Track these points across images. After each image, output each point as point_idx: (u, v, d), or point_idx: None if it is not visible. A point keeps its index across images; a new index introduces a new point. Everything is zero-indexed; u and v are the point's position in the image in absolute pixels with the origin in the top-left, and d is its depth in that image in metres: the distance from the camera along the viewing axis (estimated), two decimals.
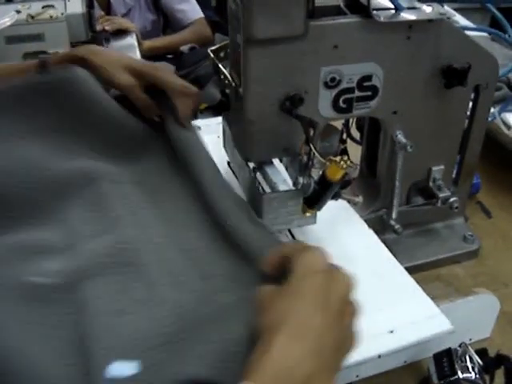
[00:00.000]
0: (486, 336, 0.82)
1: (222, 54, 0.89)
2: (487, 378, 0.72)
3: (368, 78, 0.76)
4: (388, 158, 0.87)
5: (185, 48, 2.08)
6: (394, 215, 0.89)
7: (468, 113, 0.88)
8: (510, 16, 0.98)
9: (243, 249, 0.71)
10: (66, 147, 0.83)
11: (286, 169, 0.82)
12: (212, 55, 0.87)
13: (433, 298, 0.72)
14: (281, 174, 0.80)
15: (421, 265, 0.91)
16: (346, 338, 0.53)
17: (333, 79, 0.75)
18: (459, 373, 0.70)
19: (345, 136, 1.05)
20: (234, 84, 0.78)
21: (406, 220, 0.91)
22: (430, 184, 0.90)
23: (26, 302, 0.66)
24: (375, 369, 0.72)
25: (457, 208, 0.90)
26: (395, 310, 0.71)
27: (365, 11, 0.73)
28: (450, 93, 0.82)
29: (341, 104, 0.77)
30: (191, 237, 0.76)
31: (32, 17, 1.44)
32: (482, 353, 0.74)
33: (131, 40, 1.84)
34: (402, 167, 0.85)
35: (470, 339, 0.79)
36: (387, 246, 0.82)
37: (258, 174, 0.80)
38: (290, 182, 0.78)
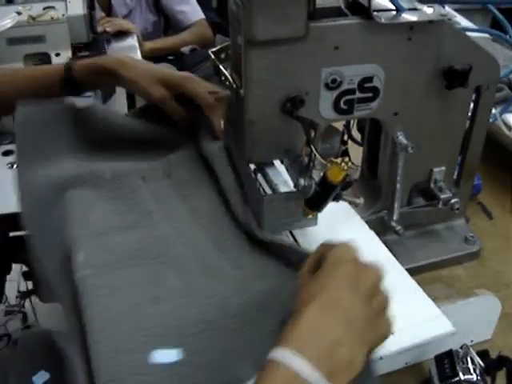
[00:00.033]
0: (487, 337, 0.81)
1: (222, 56, 0.89)
2: (489, 379, 0.72)
3: (369, 79, 0.76)
4: (389, 159, 0.87)
5: (186, 49, 2.08)
6: (395, 216, 0.89)
7: (469, 114, 0.87)
8: (511, 17, 0.97)
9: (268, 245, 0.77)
10: (103, 154, 0.93)
11: (287, 170, 0.82)
12: (213, 56, 0.87)
13: (434, 300, 0.72)
14: (282, 176, 0.80)
15: (422, 266, 0.91)
16: (376, 321, 0.57)
17: (334, 80, 0.75)
18: (460, 374, 0.70)
19: (346, 137, 1.05)
20: (234, 85, 0.78)
21: (407, 221, 0.91)
22: (431, 185, 0.90)
23: None
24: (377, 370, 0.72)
25: (458, 209, 0.90)
26: (396, 312, 0.71)
27: (365, 12, 0.73)
28: (451, 94, 0.82)
29: (342, 105, 0.77)
30: (217, 231, 0.81)
31: (33, 18, 1.44)
32: (483, 354, 0.74)
33: (132, 41, 1.84)
34: (403, 168, 0.85)
35: (472, 341, 0.78)
36: (388, 247, 0.82)
37: (259, 176, 0.80)
38: (290, 183, 0.78)
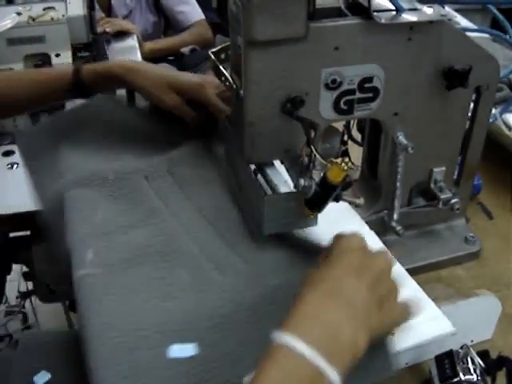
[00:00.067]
0: (487, 338, 0.81)
1: (222, 56, 0.89)
2: (489, 379, 0.72)
3: (369, 79, 0.76)
4: (389, 159, 0.87)
5: (186, 50, 2.07)
6: (395, 217, 0.89)
7: (469, 114, 0.87)
8: (511, 17, 0.97)
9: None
10: (109, 153, 0.95)
11: (287, 170, 0.82)
12: (213, 57, 0.88)
13: (434, 300, 0.72)
14: (282, 176, 0.80)
15: (422, 266, 0.91)
16: (383, 306, 0.59)
17: (334, 81, 0.75)
18: (461, 375, 0.70)
19: (346, 137, 1.05)
20: (234, 86, 0.78)
21: (408, 221, 0.91)
22: (432, 185, 0.90)
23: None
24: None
25: (458, 209, 0.90)
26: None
27: (365, 13, 0.73)
28: (451, 94, 0.82)
29: (342, 106, 0.77)
30: (224, 227, 0.82)
31: (33, 19, 1.44)
32: (483, 354, 0.74)
33: (132, 42, 1.83)
34: (403, 169, 0.85)
35: (472, 341, 0.78)
36: (388, 248, 0.82)
37: (259, 176, 0.80)
38: (291, 183, 0.78)
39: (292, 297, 0.59)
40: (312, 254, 0.71)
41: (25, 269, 1.44)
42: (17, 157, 1.33)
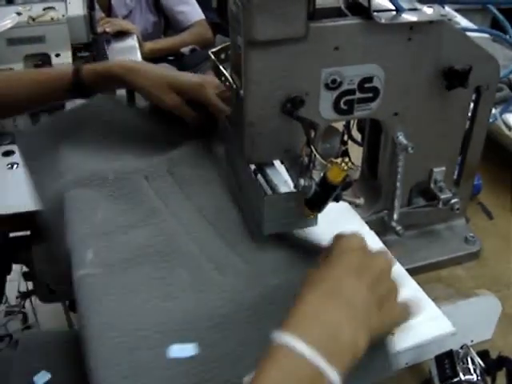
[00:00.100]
0: (487, 338, 0.81)
1: (222, 56, 0.89)
2: (489, 379, 0.72)
3: (369, 79, 0.76)
4: (389, 159, 0.87)
5: (185, 50, 2.07)
6: (395, 217, 0.89)
7: (469, 114, 0.87)
8: (511, 17, 0.97)
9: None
10: (109, 153, 0.95)
11: (287, 170, 0.82)
12: (213, 57, 0.87)
13: (434, 300, 0.72)
14: (282, 176, 0.80)
15: (422, 266, 0.91)
16: (383, 306, 0.59)
17: (334, 81, 0.75)
18: (461, 375, 0.70)
19: (346, 137, 1.05)
20: (234, 86, 0.78)
21: (408, 221, 0.91)
22: (432, 185, 0.90)
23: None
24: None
25: (458, 209, 0.90)
26: None
27: (365, 13, 0.73)
28: (451, 94, 0.82)
29: (342, 106, 0.77)
30: (224, 227, 0.82)
31: (33, 19, 1.44)
32: (483, 354, 0.74)
33: (132, 42, 1.83)
34: (403, 169, 0.85)
35: (472, 341, 0.78)
36: (388, 248, 0.82)
37: (259, 176, 0.80)
38: (291, 183, 0.78)
39: (292, 297, 0.59)
40: (312, 254, 0.71)
41: (25, 269, 1.44)
42: (17, 157, 1.33)
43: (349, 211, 0.88)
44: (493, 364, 0.73)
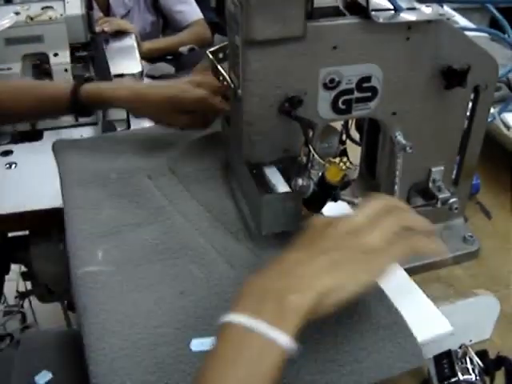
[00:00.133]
0: (486, 337, 0.81)
1: (220, 55, 0.89)
2: (487, 379, 0.72)
3: (367, 79, 0.76)
4: (387, 158, 0.87)
5: (184, 49, 2.07)
6: None
7: (468, 113, 0.87)
8: (510, 16, 0.97)
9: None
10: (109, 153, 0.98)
11: (286, 170, 0.81)
12: (211, 56, 0.87)
13: (432, 300, 0.72)
14: (280, 176, 0.80)
15: (420, 266, 0.90)
16: (342, 264, 0.59)
17: (332, 80, 0.75)
18: (459, 374, 0.70)
19: (344, 137, 1.05)
20: (232, 85, 0.78)
21: None
22: (430, 185, 0.90)
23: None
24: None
25: (456, 209, 0.90)
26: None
27: (364, 12, 0.73)
28: (449, 94, 0.82)
29: (340, 105, 0.77)
30: (230, 222, 0.83)
31: (31, 18, 1.43)
32: (482, 354, 0.74)
33: (130, 41, 1.83)
34: (401, 168, 0.84)
35: (470, 340, 0.78)
36: None
37: (257, 176, 0.80)
38: (288, 183, 0.78)
39: None
40: None
41: (23, 268, 1.44)
42: (15, 156, 1.33)
43: (347, 211, 0.87)
44: (491, 364, 0.73)
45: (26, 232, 1.28)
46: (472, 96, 0.85)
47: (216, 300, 0.71)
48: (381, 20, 0.72)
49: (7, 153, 1.35)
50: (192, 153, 0.96)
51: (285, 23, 0.68)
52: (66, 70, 1.45)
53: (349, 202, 0.81)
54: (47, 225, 1.15)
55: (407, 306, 0.71)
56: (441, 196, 0.89)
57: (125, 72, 1.56)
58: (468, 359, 0.71)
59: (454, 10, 1.52)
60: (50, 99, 1.00)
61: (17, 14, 1.45)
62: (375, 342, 0.65)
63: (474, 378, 0.70)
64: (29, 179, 1.24)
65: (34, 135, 1.41)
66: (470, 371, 0.70)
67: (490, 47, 0.85)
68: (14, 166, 1.30)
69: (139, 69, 1.60)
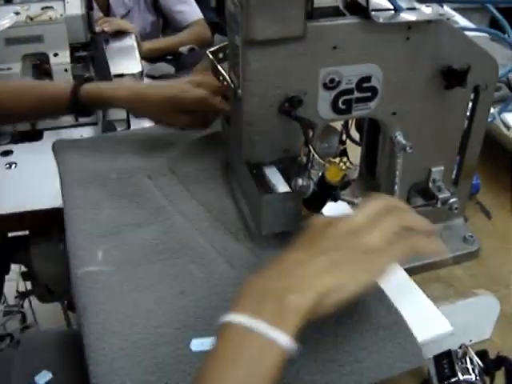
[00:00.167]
0: (486, 337, 0.81)
1: (220, 55, 0.89)
2: (487, 379, 0.72)
3: (367, 79, 0.76)
4: (387, 158, 0.87)
5: (184, 49, 2.07)
6: None
7: (468, 113, 0.87)
8: (510, 16, 0.97)
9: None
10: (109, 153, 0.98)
11: (286, 170, 0.82)
12: (211, 56, 0.87)
13: (433, 300, 0.72)
14: (280, 176, 0.80)
15: (420, 266, 0.90)
16: (338, 267, 0.59)
17: (332, 80, 0.75)
18: (459, 374, 0.70)
19: (344, 137, 1.05)
20: (232, 85, 0.78)
21: None
22: (430, 185, 0.90)
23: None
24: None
25: (456, 209, 0.90)
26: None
27: (364, 12, 0.73)
28: (449, 94, 0.82)
29: (340, 105, 0.77)
30: (230, 222, 0.83)
31: (31, 18, 1.43)
32: (482, 354, 0.74)
33: (130, 41, 1.83)
34: (401, 168, 0.84)
35: (470, 340, 0.78)
36: None
37: (257, 176, 0.80)
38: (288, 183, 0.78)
39: None
40: None
41: (23, 268, 1.44)
42: (15, 156, 1.33)
43: (347, 211, 0.88)
44: (491, 364, 0.73)
45: (26, 232, 1.29)
46: (472, 96, 0.85)
47: (216, 300, 0.71)
48: (381, 20, 0.72)
49: (7, 153, 1.35)
50: (192, 153, 0.96)
51: (285, 23, 0.68)
52: (66, 70, 1.45)
53: (349, 202, 0.81)
54: (47, 225, 1.15)
55: (407, 306, 0.71)
56: (441, 196, 0.89)
57: (125, 72, 1.56)
58: (468, 359, 0.71)
59: (454, 9, 1.52)
60: (49, 99, 1.00)
61: (17, 14, 1.45)
62: (375, 342, 0.65)
63: (473, 378, 0.70)
64: (29, 179, 1.24)
65: (34, 135, 1.41)
66: (470, 371, 0.70)
67: (490, 47, 0.85)
68: (14, 166, 1.30)
69: (139, 69, 1.60)
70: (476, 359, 0.72)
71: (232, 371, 0.52)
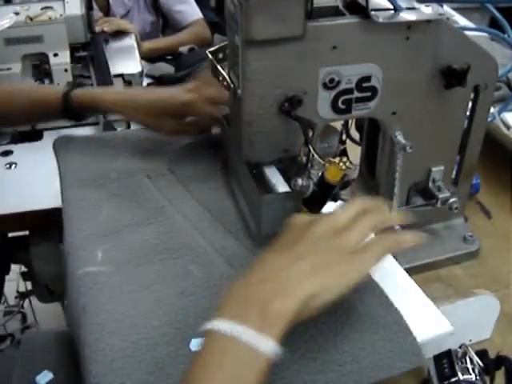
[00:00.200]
0: (486, 337, 0.81)
1: (220, 55, 0.89)
2: (487, 379, 0.72)
3: (367, 78, 0.76)
4: (387, 158, 0.87)
5: (184, 49, 2.07)
6: None
7: (467, 113, 0.87)
8: (510, 16, 0.97)
9: None
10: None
11: (285, 170, 0.82)
12: (210, 56, 0.87)
13: (433, 299, 0.72)
14: (280, 176, 0.80)
15: (420, 266, 0.90)
16: (320, 270, 0.59)
17: (332, 80, 0.75)
18: (459, 374, 0.69)
19: (344, 137, 1.05)
20: (232, 85, 0.78)
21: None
22: (430, 185, 0.90)
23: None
24: None
25: (456, 208, 0.90)
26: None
27: (363, 12, 0.73)
28: (449, 93, 0.82)
29: (340, 105, 0.77)
30: (229, 222, 0.84)
31: (31, 18, 1.43)
32: (482, 354, 0.74)
33: (130, 41, 1.83)
34: (401, 168, 0.84)
35: (470, 340, 0.78)
36: None
37: (257, 176, 0.80)
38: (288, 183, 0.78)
39: None
40: None
41: (23, 269, 1.44)
42: (15, 156, 1.33)
43: None
44: (491, 363, 0.73)
45: (26, 232, 1.29)
46: (472, 96, 0.85)
47: (216, 300, 0.71)
48: (380, 20, 0.72)
49: (7, 153, 1.35)
50: (192, 153, 0.96)
51: (285, 23, 0.68)
52: (65, 70, 1.45)
53: None
54: (47, 225, 1.15)
55: (407, 306, 0.71)
56: (441, 196, 0.89)
57: (125, 72, 1.55)
58: (468, 359, 0.71)
59: (454, 9, 1.52)
60: (42, 103, 1.01)
61: (16, 14, 1.45)
62: (375, 342, 0.65)
63: (473, 378, 0.69)
64: (29, 179, 1.23)
65: (34, 135, 1.41)
66: (470, 371, 0.70)
67: (490, 47, 0.85)
68: (14, 166, 1.30)
69: (139, 69, 1.59)
70: (476, 359, 0.72)
71: (218, 378, 0.53)
